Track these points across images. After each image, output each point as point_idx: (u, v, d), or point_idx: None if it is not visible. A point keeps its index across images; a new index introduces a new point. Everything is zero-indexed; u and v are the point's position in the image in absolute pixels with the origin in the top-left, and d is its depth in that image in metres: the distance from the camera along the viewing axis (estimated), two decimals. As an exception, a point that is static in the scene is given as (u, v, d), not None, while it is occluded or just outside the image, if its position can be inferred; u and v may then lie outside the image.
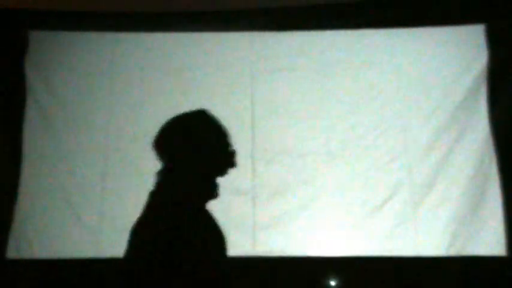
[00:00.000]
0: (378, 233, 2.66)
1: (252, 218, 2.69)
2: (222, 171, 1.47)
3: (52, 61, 2.93)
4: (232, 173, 2.79)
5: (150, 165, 2.75)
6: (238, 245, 2.64)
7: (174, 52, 2.95)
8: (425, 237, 2.64)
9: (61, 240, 2.67)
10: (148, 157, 2.75)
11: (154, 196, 1.45)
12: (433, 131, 2.77)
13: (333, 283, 2.59)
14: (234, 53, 2.94)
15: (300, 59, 2.92)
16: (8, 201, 2.72)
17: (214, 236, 1.39)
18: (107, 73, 2.92)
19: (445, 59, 2.88)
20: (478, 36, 2.88)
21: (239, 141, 2.76)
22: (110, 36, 2.97)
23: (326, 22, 2.94)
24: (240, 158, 2.73)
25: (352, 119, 2.82)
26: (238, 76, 2.90)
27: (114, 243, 2.70)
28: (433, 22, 2.90)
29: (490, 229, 2.64)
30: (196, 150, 1.43)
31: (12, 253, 2.67)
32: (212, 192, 1.45)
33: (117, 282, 1.34)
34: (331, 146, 2.77)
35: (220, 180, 2.79)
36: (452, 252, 2.61)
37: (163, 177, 1.45)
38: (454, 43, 2.90)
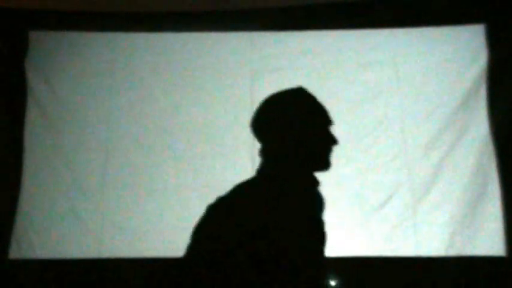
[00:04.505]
0: (378, 233, 2.66)
1: (253, 219, 2.69)
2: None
3: (52, 61, 2.93)
4: (232, 173, 2.80)
5: (150, 165, 2.80)
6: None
7: (174, 52, 2.95)
8: (424, 238, 2.65)
9: (62, 240, 2.68)
10: (148, 157, 2.80)
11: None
12: (433, 131, 2.77)
13: (332, 283, 2.59)
14: (234, 52, 2.94)
15: (300, 59, 2.92)
16: (10, 202, 2.72)
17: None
18: (107, 73, 2.92)
19: (445, 59, 2.87)
20: (478, 36, 2.88)
21: (239, 141, 2.80)
22: (110, 36, 2.97)
23: (326, 22, 2.93)
24: (240, 158, 2.77)
25: (352, 119, 2.82)
26: (238, 76, 2.91)
27: (115, 244, 2.72)
28: (433, 22, 2.90)
29: (489, 229, 2.64)
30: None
31: (14, 254, 2.68)
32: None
33: None
34: (331, 146, 2.77)
35: (220, 181, 2.79)
36: (452, 252, 2.62)
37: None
38: (454, 43, 2.89)
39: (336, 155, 2.73)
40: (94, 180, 2.77)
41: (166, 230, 2.70)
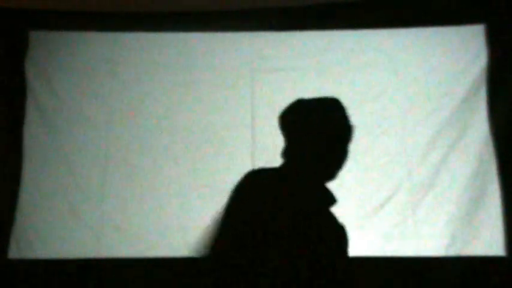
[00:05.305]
0: (378, 233, 2.66)
1: (253, 219, 2.69)
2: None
3: (52, 61, 2.93)
4: (232, 173, 2.79)
5: (150, 165, 2.80)
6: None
7: (174, 52, 2.95)
8: (424, 238, 2.65)
9: (62, 240, 2.68)
10: (148, 157, 2.80)
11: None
12: (433, 131, 2.78)
13: (332, 283, 2.59)
14: (234, 53, 2.94)
15: (300, 59, 2.92)
16: (9, 201, 2.72)
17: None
18: (107, 73, 2.92)
19: (445, 59, 2.88)
20: (478, 36, 2.88)
21: (239, 141, 2.80)
22: (110, 36, 2.97)
23: (326, 22, 2.93)
24: (240, 158, 2.77)
25: (352, 119, 2.81)
26: (238, 76, 2.91)
27: (114, 243, 2.72)
28: (432, 22, 2.90)
29: (489, 229, 2.64)
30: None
31: (13, 253, 2.68)
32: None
33: None
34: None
35: (220, 181, 2.78)
36: (452, 252, 2.62)
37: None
38: (454, 43, 2.90)
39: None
40: (94, 180, 2.77)
41: (166, 230, 2.70)
